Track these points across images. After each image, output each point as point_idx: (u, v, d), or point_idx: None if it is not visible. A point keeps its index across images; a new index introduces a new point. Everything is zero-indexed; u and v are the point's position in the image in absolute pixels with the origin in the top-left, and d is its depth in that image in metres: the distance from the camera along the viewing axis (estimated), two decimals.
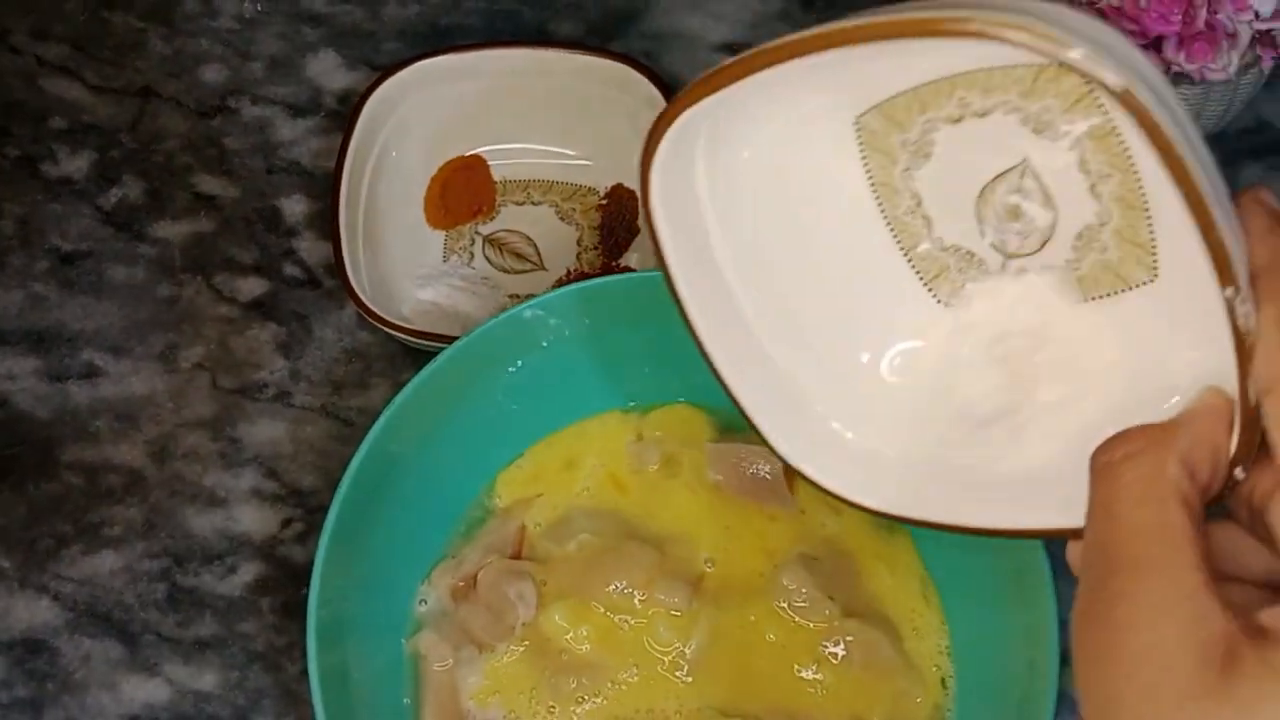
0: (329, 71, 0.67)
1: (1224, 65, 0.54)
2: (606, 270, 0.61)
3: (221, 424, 0.59)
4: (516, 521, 0.52)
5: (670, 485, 0.53)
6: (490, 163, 0.64)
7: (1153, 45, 0.54)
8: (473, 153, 0.64)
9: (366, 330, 0.60)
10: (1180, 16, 0.52)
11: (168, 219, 0.63)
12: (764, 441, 0.44)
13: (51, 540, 0.56)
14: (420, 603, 0.51)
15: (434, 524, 0.53)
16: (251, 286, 0.62)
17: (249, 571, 0.56)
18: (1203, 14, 0.53)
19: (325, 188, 0.64)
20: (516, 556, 0.52)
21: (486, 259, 0.62)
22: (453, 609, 0.51)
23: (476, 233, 0.63)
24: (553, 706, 0.48)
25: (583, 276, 0.61)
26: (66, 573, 0.56)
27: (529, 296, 0.59)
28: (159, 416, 0.59)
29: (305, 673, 0.46)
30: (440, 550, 0.52)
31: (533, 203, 0.63)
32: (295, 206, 0.64)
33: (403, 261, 0.61)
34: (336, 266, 0.57)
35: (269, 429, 0.59)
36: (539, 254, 0.62)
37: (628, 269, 0.61)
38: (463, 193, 0.63)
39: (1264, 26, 0.53)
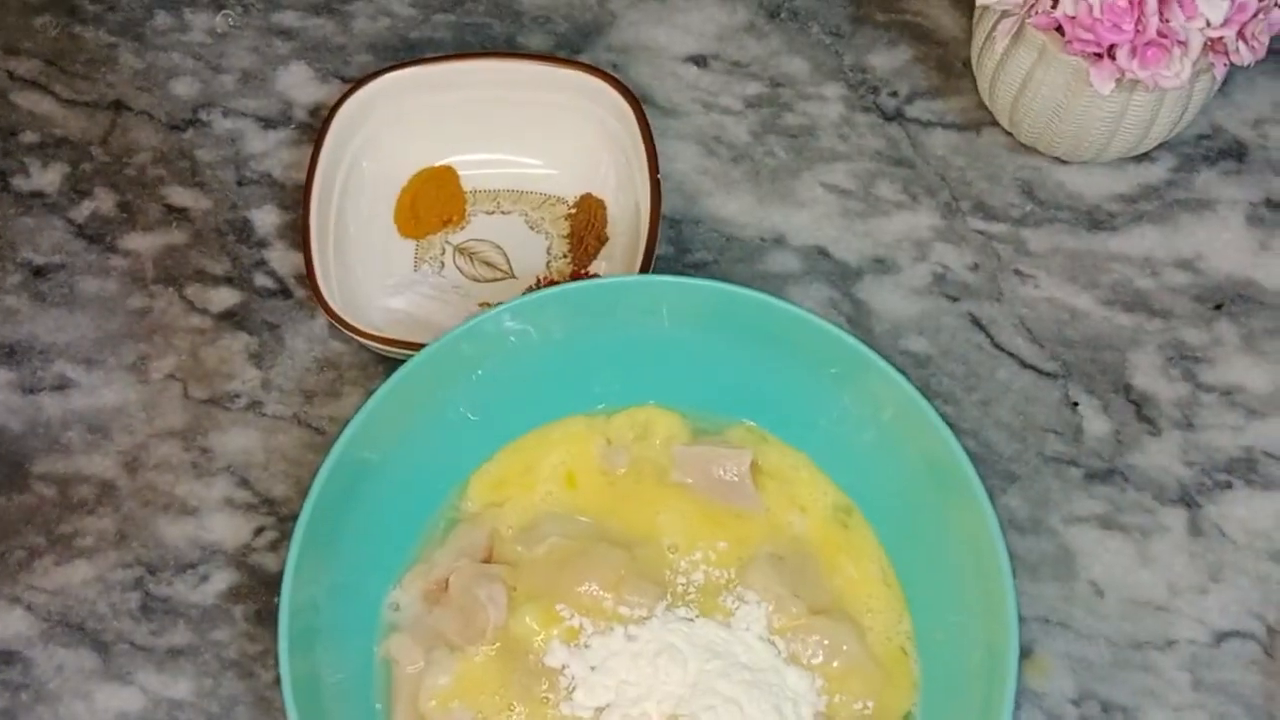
0: (300, 84, 0.68)
1: (1176, 72, 0.55)
2: (575, 278, 0.61)
3: (193, 434, 0.59)
4: (487, 526, 0.53)
5: (638, 488, 0.53)
6: (460, 173, 0.64)
7: (1107, 53, 0.56)
8: (443, 163, 0.65)
9: (338, 339, 0.61)
10: (1132, 25, 0.54)
11: (139, 231, 0.64)
12: None
13: (24, 551, 0.57)
14: (392, 608, 0.52)
15: (404, 530, 0.53)
16: (223, 297, 0.62)
17: (222, 580, 0.56)
18: (1154, 22, 0.54)
19: (296, 199, 0.64)
20: (487, 560, 0.52)
21: (457, 268, 0.63)
22: (425, 612, 0.51)
23: (447, 242, 0.63)
24: (512, 705, 0.49)
25: (552, 284, 0.61)
26: (39, 583, 0.56)
27: (499, 304, 0.60)
28: (131, 427, 0.59)
29: (279, 680, 0.46)
30: (411, 556, 0.53)
31: (502, 212, 0.64)
32: (266, 218, 0.64)
33: (374, 271, 0.62)
34: (307, 277, 0.57)
35: (241, 438, 0.59)
36: (509, 262, 0.63)
37: (595, 276, 0.61)
38: (433, 203, 0.64)
39: (1215, 34, 0.55)
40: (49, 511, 0.57)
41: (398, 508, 0.53)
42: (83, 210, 0.65)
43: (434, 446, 0.53)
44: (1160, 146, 0.64)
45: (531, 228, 0.64)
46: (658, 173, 0.59)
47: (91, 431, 0.59)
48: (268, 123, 0.67)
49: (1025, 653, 0.54)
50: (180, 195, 0.65)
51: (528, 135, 0.64)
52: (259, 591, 0.56)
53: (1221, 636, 0.55)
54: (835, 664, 0.49)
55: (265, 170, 0.66)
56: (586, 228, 0.63)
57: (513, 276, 0.62)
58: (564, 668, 0.49)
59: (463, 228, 0.64)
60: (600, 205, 0.63)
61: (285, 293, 0.62)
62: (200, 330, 0.61)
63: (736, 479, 0.53)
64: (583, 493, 0.54)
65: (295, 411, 0.60)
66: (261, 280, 0.63)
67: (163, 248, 0.63)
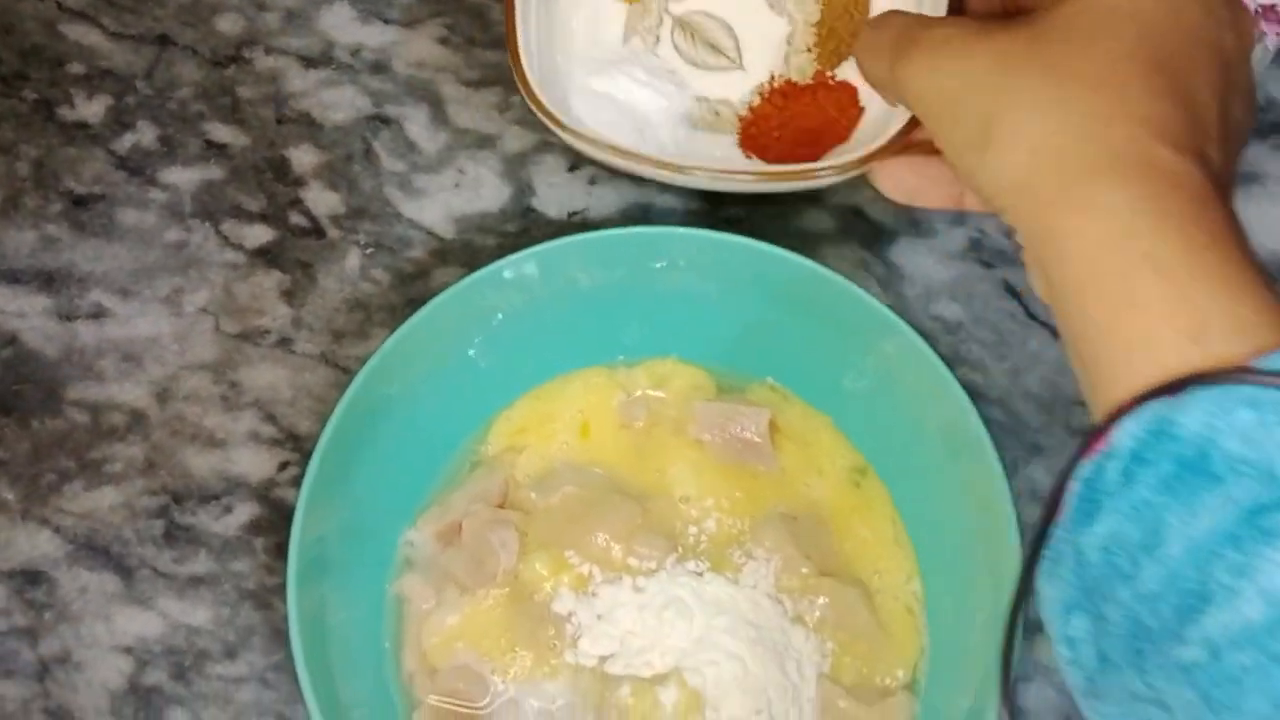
0: (342, 25, 0.68)
1: None
2: (819, 80, 0.50)
3: (223, 368, 0.60)
4: (503, 472, 0.53)
5: (655, 441, 0.53)
6: None
7: None
8: None
9: (368, 281, 0.61)
10: None
11: (179, 165, 0.65)
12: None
13: (54, 475, 0.58)
14: (406, 545, 0.52)
15: (421, 471, 0.54)
16: (258, 234, 0.63)
17: (244, 512, 0.57)
18: None
19: (334, 139, 0.64)
20: (501, 506, 0.52)
21: (674, 46, 0.52)
22: (438, 553, 0.52)
23: (666, 11, 0.53)
24: (516, 648, 0.49)
25: (789, 85, 0.51)
26: (68, 507, 0.57)
27: (719, 102, 0.52)
28: (163, 358, 0.60)
29: None
30: (427, 498, 0.53)
31: None
32: (304, 157, 0.65)
33: (578, 38, 0.52)
34: (507, 37, 0.49)
35: (269, 374, 0.60)
36: (738, 48, 0.52)
37: (845, 85, 0.51)
38: None
39: (1269, 1, 0.53)
40: (80, 437, 0.59)
41: (416, 448, 0.53)
42: (124, 142, 0.65)
43: (454, 389, 0.53)
44: None
45: (772, 6, 0.52)
46: None
47: (124, 360, 0.60)
48: (309, 62, 0.67)
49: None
50: (220, 131, 0.65)
51: None
52: (280, 525, 0.57)
53: None
54: (841, 626, 0.49)
55: (304, 110, 0.66)
56: (842, 17, 0.51)
57: (740, 68, 0.52)
58: (570, 615, 0.49)
59: None
60: None
61: (319, 232, 0.63)
62: (234, 266, 0.62)
63: (755, 439, 0.53)
64: (599, 444, 0.54)
65: (323, 350, 0.60)
66: (296, 219, 0.63)
67: (201, 182, 0.64)
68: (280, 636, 0.55)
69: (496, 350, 0.54)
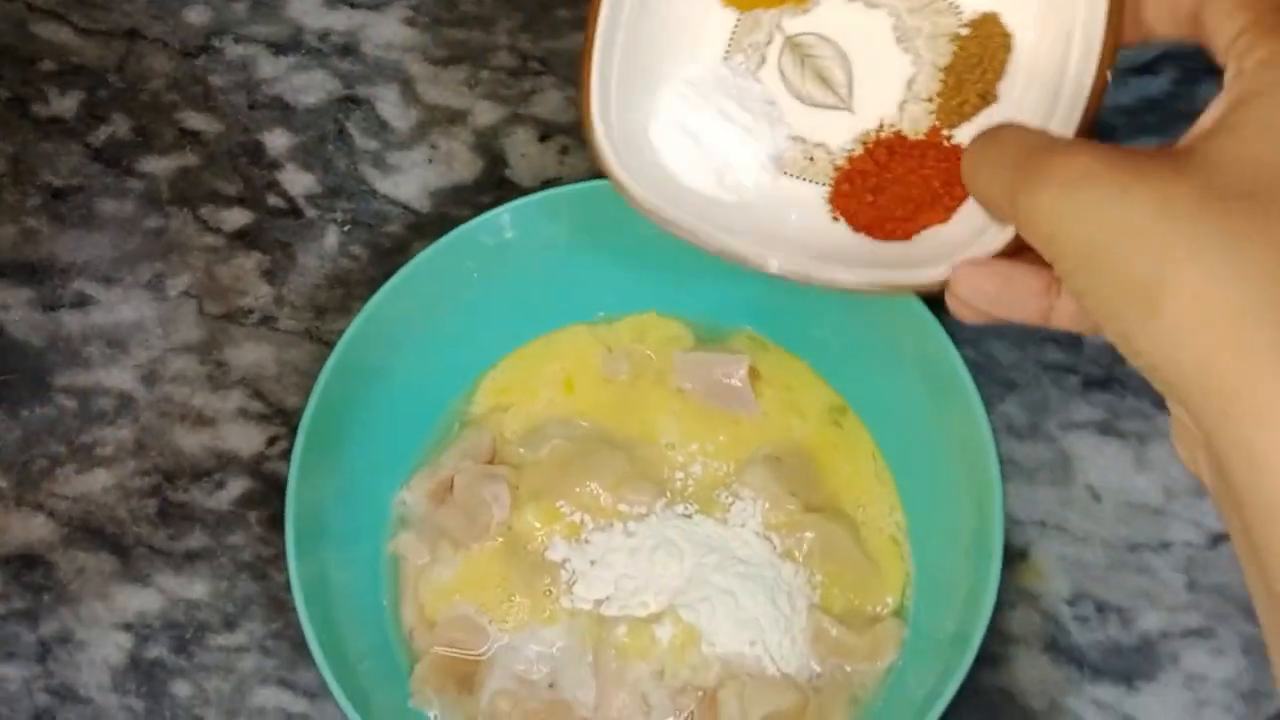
0: (309, 10, 0.69)
1: None
2: (931, 138, 0.44)
3: (208, 348, 0.61)
4: (491, 430, 0.54)
5: (639, 393, 0.54)
6: None
7: None
8: None
9: (347, 257, 0.62)
10: None
11: (155, 154, 0.65)
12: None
13: (46, 460, 0.58)
14: (399, 506, 0.53)
15: (410, 434, 0.54)
16: (236, 217, 0.64)
17: (237, 487, 0.58)
18: None
19: (306, 122, 0.65)
20: (490, 462, 0.53)
21: (780, 71, 0.46)
22: (430, 512, 0.53)
23: (779, 27, 0.46)
24: (513, 597, 0.50)
25: (897, 138, 0.45)
26: (61, 491, 0.58)
27: (815, 145, 0.46)
28: (148, 342, 0.61)
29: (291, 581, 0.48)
30: (418, 459, 0.54)
31: (868, 3, 0.45)
32: (277, 140, 0.65)
33: (670, 48, 0.46)
34: (582, 61, 0.44)
35: (254, 352, 0.61)
36: (850, 85, 0.45)
37: (955, 148, 0.44)
38: None
39: None
40: (70, 422, 0.59)
41: (404, 412, 0.54)
42: (100, 135, 0.66)
43: (437, 352, 0.54)
44: (1161, 58, 0.64)
45: (899, 40, 0.45)
46: (1111, 63, 0.40)
47: (110, 346, 0.61)
48: (278, 48, 0.68)
49: (1021, 555, 0.55)
50: (194, 119, 0.66)
51: None
52: (272, 498, 0.57)
53: (1217, 539, 0.55)
54: (828, 558, 0.50)
55: (276, 94, 0.67)
56: (974, 67, 0.44)
57: (848, 109, 0.45)
58: (565, 562, 0.50)
59: (806, 10, 0.46)
60: (1004, 41, 0.43)
61: (296, 212, 0.64)
62: (214, 249, 0.63)
63: (736, 384, 0.54)
64: (583, 398, 0.55)
65: (307, 326, 0.61)
66: (273, 200, 0.64)
67: (177, 170, 0.65)
68: (278, 605, 0.55)
69: (477, 312, 0.55)
